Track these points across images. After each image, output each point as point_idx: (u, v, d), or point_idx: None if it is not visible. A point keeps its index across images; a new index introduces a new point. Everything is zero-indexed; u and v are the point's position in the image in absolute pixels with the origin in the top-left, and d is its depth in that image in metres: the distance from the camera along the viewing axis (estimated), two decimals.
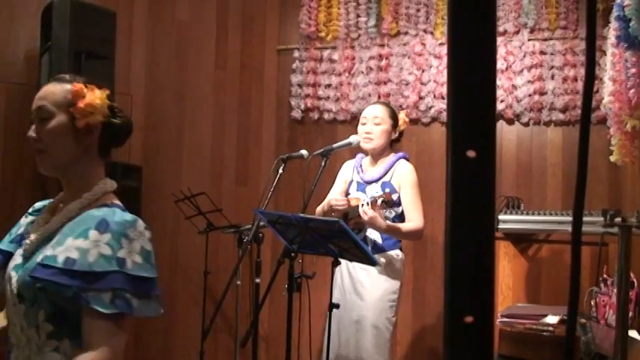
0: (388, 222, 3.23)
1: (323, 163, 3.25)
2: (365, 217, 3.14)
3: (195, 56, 4.83)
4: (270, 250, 4.54)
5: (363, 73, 4.65)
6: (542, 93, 4.24)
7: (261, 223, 3.20)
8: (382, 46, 4.64)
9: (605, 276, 2.96)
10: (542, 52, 4.26)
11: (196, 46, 4.83)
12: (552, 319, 2.95)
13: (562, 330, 2.76)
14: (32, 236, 1.68)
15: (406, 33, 4.57)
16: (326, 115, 4.74)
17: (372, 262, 2.91)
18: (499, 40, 4.25)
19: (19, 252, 1.70)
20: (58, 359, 1.57)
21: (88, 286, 1.50)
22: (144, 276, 1.57)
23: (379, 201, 3.10)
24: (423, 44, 4.52)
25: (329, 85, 4.75)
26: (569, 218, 3.43)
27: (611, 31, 2.96)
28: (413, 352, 4.43)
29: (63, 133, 1.65)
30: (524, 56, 4.29)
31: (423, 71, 4.50)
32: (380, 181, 3.39)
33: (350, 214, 3.32)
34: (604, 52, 3.43)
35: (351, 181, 3.54)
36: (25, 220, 1.82)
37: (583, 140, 0.61)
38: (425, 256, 4.38)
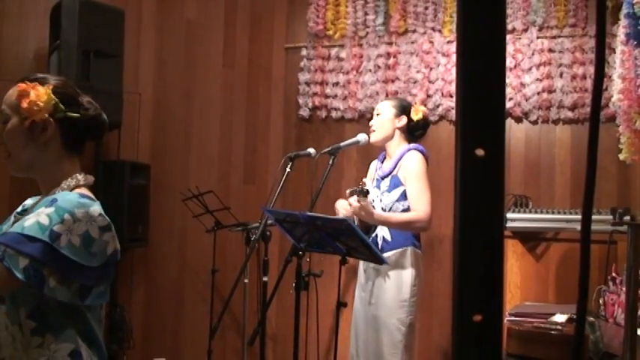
0: (378, 212, 3.21)
1: (331, 162, 3.24)
2: (352, 210, 3.15)
3: (203, 55, 4.84)
4: (278, 248, 4.55)
5: (371, 72, 4.64)
6: (550, 91, 4.23)
7: (269, 222, 3.20)
8: (390, 44, 4.63)
9: (613, 274, 2.95)
10: (550, 50, 4.25)
11: (204, 45, 4.84)
12: (561, 318, 2.94)
13: (570, 329, 2.75)
14: None
15: (414, 31, 4.56)
16: (334, 114, 4.74)
17: (380, 261, 2.90)
18: (507, 37, 4.23)
19: None
20: (43, 355, 1.57)
21: (12, 244, 1.48)
22: (73, 260, 1.52)
23: (348, 192, 3.13)
24: (431, 42, 4.51)
25: (337, 84, 4.74)
26: (578, 216, 3.42)
27: (621, 29, 2.95)
28: (420, 350, 4.42)
29: (17, 133, 1.65)
30: (533, 54, 4.28)
31: (431, 69, 4.49)
32: (390, 175, 3.37)
33: None
34: (613, 50, 3.42)
35: (374, 178, 3.54)
36: (14, 219, 1.80)
37: (592, 138, 0.61)
38: (432, 254, 4.38)
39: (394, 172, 3.34)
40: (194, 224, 4.33)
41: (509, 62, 4.27)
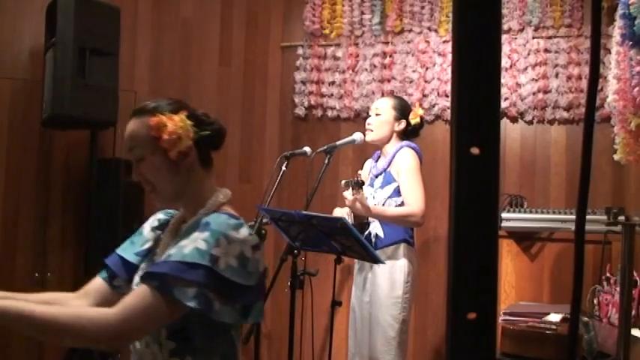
0: (373, 206, 3.22)
1: (326, 161, 3.25)
2: (347, 203, 3.15)
3: (199, 53, 4.83)
4: (273, 247, 4.55)
5: (367, 71, 4.65)
6: (546, 91, 4.23)
7: (265, 220, 3.20)
8: (386, 43, 4.63)
9: (608, 274, 2.96)
10: (546, 50, 4.25)
11: (200, 43, 4.84)
12: (555, 318, 2.95)
13: (565, 328, 2.76)
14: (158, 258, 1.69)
15: (410, 30, 4.57)
16: (329, 113, 4.74)
17: (375, 261, 2.91)
18: (503, 37, 4.24)
19: (144, 267, 1.71)
20: None
21: (175, 274, 1.48)
22: (234, 281, 1.54)
23: (343, 183, 3.14)
24: (427, 42, 4.51)
25: (333, 83, 4.74)
26: (573, 217, 3.43)
27: (616, 29, 2.96)
28: (414, 349, 4.43)
29: (161, 168, 1.64)
30: (529, 54, 4.28)
31: (426, 69, 4.49)
32: (383, 172, 3.38)
33: None
34: (609, 51, 3.43)
35: (369, 177, 3.55)
36: (150, 234, 1.81)
37: (587, 139, 0.61)
38: (427, 253, 4.38)
39: (387, 169, 3.36)
40: None
41: (504, 62, 4.27)
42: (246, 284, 1.56)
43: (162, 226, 1.82)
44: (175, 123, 1.62)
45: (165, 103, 1.68)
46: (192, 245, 1.52)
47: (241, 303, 1.58)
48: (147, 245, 1.79)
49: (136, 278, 1.69)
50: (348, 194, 3.13)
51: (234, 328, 1.68)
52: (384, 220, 3.27)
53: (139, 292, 1.50)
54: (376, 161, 3.53)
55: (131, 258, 1.76)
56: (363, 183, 3.11)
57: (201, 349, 1.59)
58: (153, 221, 1.84)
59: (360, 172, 3.18)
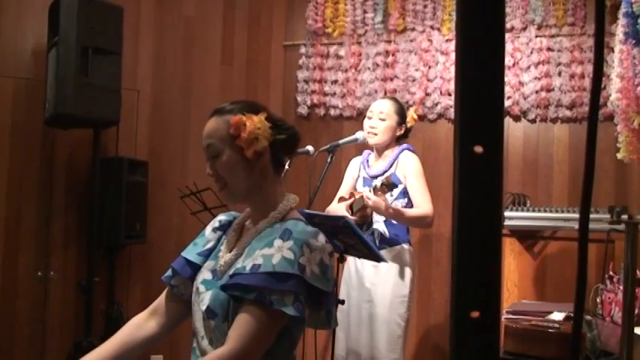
0: (393, 207, 3.23)
1: (329, 159, 3.25)
2: (369, 203, 3.15)
3: (201, 52, 4.84)
4: None
5: (370, 70, 4.64)
6: (549, 90, 4.23)
7: None
8: (389, 42, 4.63)
9: (611, 273, 2.95)
10: (549, 49, 4.25)
11: (203, 42, 4.84)
12: (558, 316, 2.94)
13: (568, 327, 2.76)
14: (225, 257, 1.73)
15: (413, 29, 4.56)
16: (332, 112, 4.74)
17: (378, 259, 2.91)
18: (506, 36, 4.24)
19: (208, 266, 1.75)
20: None
21: (271, 286, 1.52)
22: (318, 287, 1.58)
23: (376, 185, 3.14)
24: (430, 40, 4.51)
25: (335, 81, 4.74)
26: (576, 215, 3.42)
27: (619, 28, 2.95)
28: (417, 348, 4.43)
29: (235, 166, 1.68)
30: (532, 53, 4.28)
31: (429, 67, 4.49)
32: (385, 174, 3.38)
33: (354, 206, 3.31)
34: (611, 49, 3.42)
35: (358, 177, 3.54)
36: (212, 235, 1.86)
37: (590, 137, 0.61)
38: (430, 252, 4.38)
39: (390, 171, 3.36)
40: (192, 221, 4.33)
41: (507, 61, 4.27)
42: (327, 290, 1.62)
43: (223, 227, 1.87)
44: (254, 123, 1.66)
45: (245, 104, 1.73)
46: (279, 254, 1.56)
47: (325, 309, 1.65)
48: (209, 245, 1.83)
49: (200, 277, 1.74)
50: (371, 195, 3.12)
51: (299, 333, 1.71)
52: (401, 221, 3.28)
53: (243, 318, 1.54)
54: (367, 161, 3.53)
55: (194, 258, 1.80)
56: (395, 185, 3.13)
57: (265, 353, 1.60)
58: (214, 222, 1.90)
59: (388, 175, 3.19)
